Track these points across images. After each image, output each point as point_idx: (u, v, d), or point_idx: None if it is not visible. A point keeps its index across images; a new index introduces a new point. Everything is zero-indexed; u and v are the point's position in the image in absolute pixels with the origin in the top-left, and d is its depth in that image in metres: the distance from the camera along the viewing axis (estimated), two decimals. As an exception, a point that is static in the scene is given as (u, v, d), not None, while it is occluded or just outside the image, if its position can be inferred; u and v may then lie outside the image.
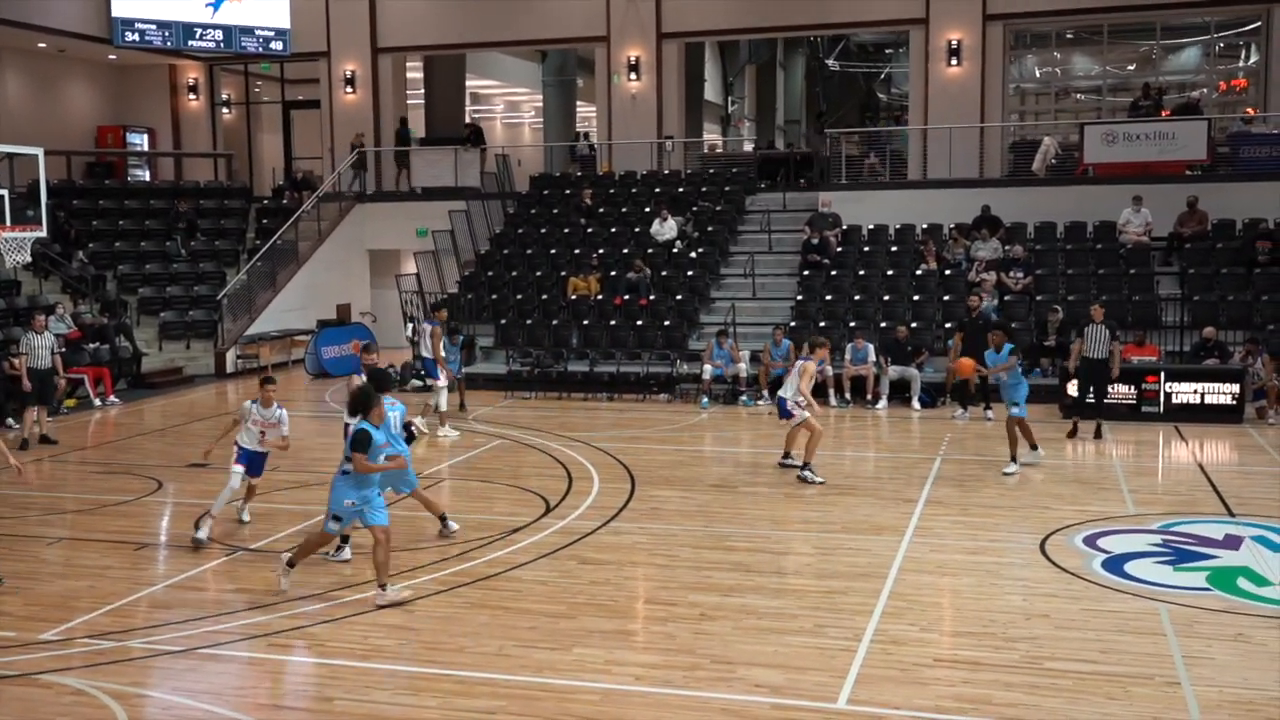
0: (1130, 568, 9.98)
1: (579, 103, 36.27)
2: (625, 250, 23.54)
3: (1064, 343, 18.54)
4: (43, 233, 19.95)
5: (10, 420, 17.37)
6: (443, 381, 16.91)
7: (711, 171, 27.10)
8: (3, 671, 7.99)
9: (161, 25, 27.24)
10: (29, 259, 19.84)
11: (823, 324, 20.29)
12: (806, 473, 13.31)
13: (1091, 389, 16.05)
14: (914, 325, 19.83)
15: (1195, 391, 17.23)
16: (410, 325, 23.41)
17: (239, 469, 11.18)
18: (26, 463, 12.19)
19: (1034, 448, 14.11)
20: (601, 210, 25.31)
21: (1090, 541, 10.79)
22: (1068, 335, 19.15)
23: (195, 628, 8.80)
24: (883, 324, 20.17)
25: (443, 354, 17.15)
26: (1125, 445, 15.64)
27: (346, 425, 10.61)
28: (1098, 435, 15.80)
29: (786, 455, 14.13)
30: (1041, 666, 7.83)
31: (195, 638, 8.59)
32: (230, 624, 8.86)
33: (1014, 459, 13.87)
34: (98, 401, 19.66)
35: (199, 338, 24.06)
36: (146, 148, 31.08)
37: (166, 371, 22.55)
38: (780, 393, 13.99)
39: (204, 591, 9.81)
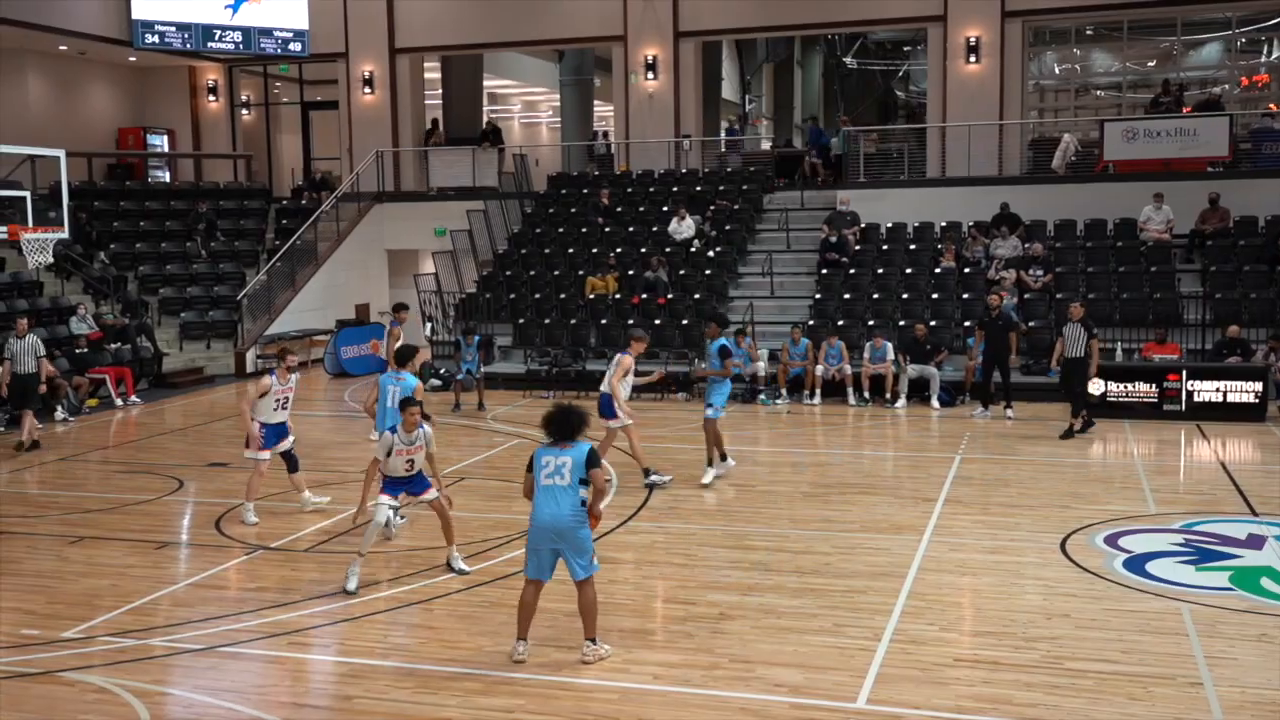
0: (1152, 567, 9.93)
1: (596, 102, 36.25)
2: (643, 249, 23.54)
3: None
4: (65, 234, 20.12)
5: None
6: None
7: (730, 171, 27.05)
8: (26, 669, 8.05)
9: (181, 27, 27.38)
10: (51, 260, 20.00)
11: (841, 323, 20.26)
12: (654, 478, 13.04)
13: (1072, 388, 15.93)
14: (933, 324, 19.77)
15: (1217, 390, 17.13)
16: (429, 325, 23.49)
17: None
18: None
19: (724, 458, 13.54)
20: (619, 209, 25.32)
21: (1111, 541, 10.74)
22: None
23: (216, 626, 8.85)
24: (901, 322, 20.12)
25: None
26: (1147, 444, 15.56)
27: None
28: (1079, 431, 15.71)
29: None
30: (1062, 666, 7.80)
31: (216, 636, 8.63)
32: (251, 622, 8.90)
33: (710, 463, 13.44)
34: (119, 401, 19.78)
35: (219, 338, 24.17)
36: (167, 149, 31.24)
37: (187, 371, 22.67)
38: (602, 388, 13.12)
39: (225, 590, 9.85)
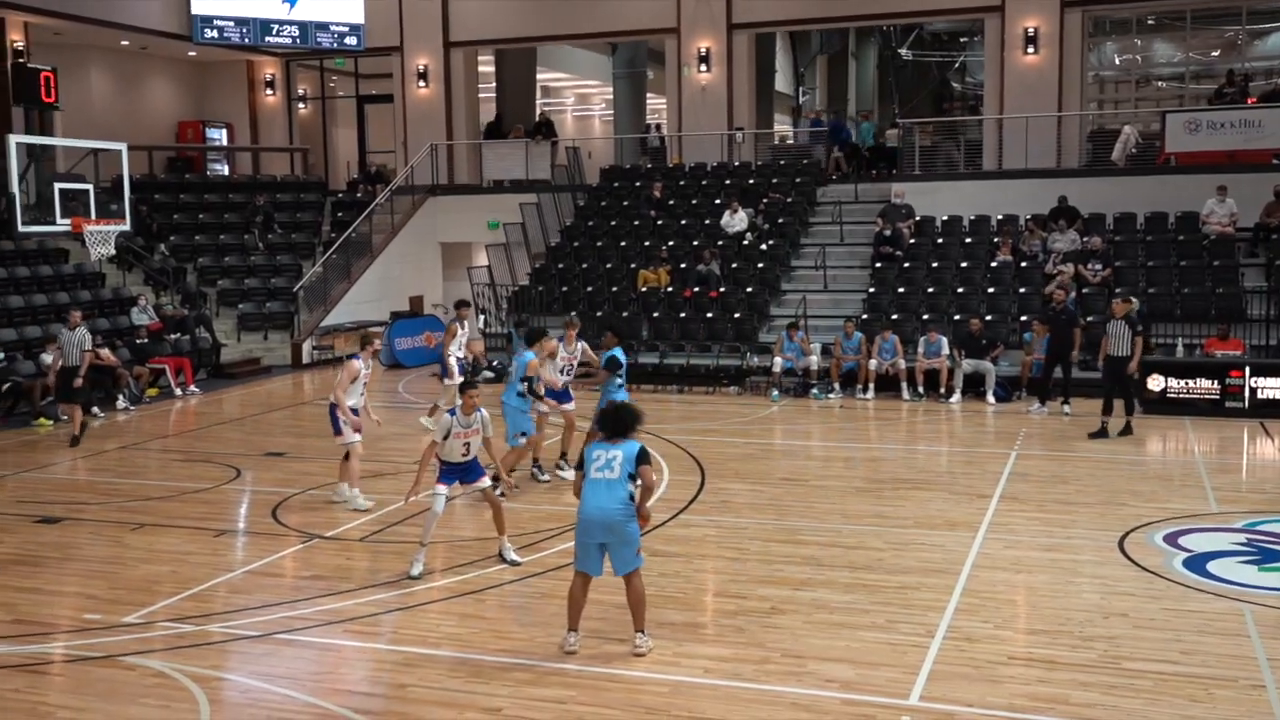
0: (1213, 567, 9.76)
1: (649, 95, 36.23)
2: (695, 242, 23.50)
3: (1144, 335, 18.15)
4: (126, 226, 20.47)
5: (96, 409, 17.77)
6: (454, 381, 15.77)
7: (782, 163, 26.94)
8: (88, 653, 8.20)
9: (239, 22, 27.71)
10: (113, 252, 20.36)
11: (895, 317, 20.12)
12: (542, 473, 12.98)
13: (1116, 387, 15.50)
14: (989, 318, 19.56)
15: (1282, 386, 16.80)
16: (482, 317, 23.62)
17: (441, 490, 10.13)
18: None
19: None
20: (671, 202, 25.29)
21: (1171, 540, 10.57)
22: (1148, 328, 18.78)
23: (273, 613, 8.96)
24: (956, 317, 19.92)
25: (457, 352, 16.15)
26: (1208, 441, 15.29)
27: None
28: (1121, 433, 15.29)
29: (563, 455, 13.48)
30: (1120, 666, 7.69)
31: (272, 623, 8.74)
32: (306, 610, 9.01)
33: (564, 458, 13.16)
34: (178, 391, 20.07)
35: (276, 329, 24.47)
36: (225, 142, 31.65)
37: (244, 362, 22.97)
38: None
39: (281, 578, 9.97)
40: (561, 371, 13.35)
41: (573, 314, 14.54)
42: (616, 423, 8.00)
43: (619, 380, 13.02)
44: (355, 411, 12.07)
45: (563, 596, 8.23)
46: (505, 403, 12.60)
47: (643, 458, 7.89)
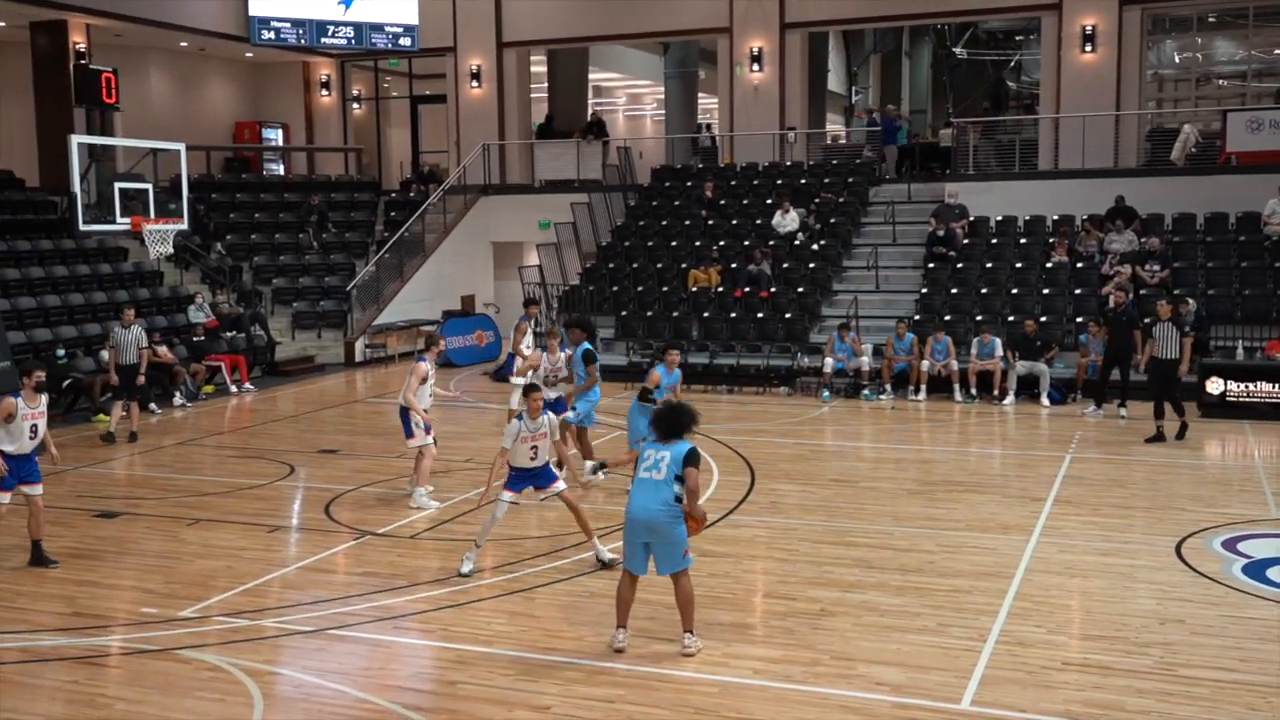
0: (1273, 573, 9.59)
1: (700, 94, 36.19)
2: (746, 242, 23.44)
3: (1202, 339, 17.88)
4: (184, 225, 20.75)
5: (154, 406, 18.05)
6: (517, 380, 16.36)
7: (835, 163, 26.81)
8: (145, 646, 8.33)
9: (296, 23, 28.03)
10: (171, 250, 20.64)
11: (948, 318, 19.94)
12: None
13: (1166, 391, 15.17)
14: (1043, 319, 19.33)
15: (1345, 390, 16.46)
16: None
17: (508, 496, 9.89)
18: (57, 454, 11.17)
19: (602, 466, 11.89)
20: (722, 202, 25.24)
21: (1230, 545, 10.39)
22: (1206, 330, 18.49)
23: (325, 609, 9.05)
24: (1010, 318, 19.71)
25: (524, 350, 16.53)
26: (1269, 445, 15.01)
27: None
28: (1177, 437, 14.98)
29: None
30: (1176, 674, 7.57)
31: (325, 618, 8.83)
32: (359, 606, 9.09)
33: (559, 465, 11.99)
34: (234, 388, 20.33)
35: (329, 327, 24.71)
36: (281, 143, 32.02)
37: (299, 360, 23.22)
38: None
39: (334, 574, 10.08)
40: (546, 382, 13.08)
41: (554, 323, 14.39)
42: (671, 424, 7.97)
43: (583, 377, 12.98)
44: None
45: (612, 596, 8.24)
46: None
47: (691, 459, 7.86)
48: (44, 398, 10.26)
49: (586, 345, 13.29)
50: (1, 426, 9.94)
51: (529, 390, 9.91)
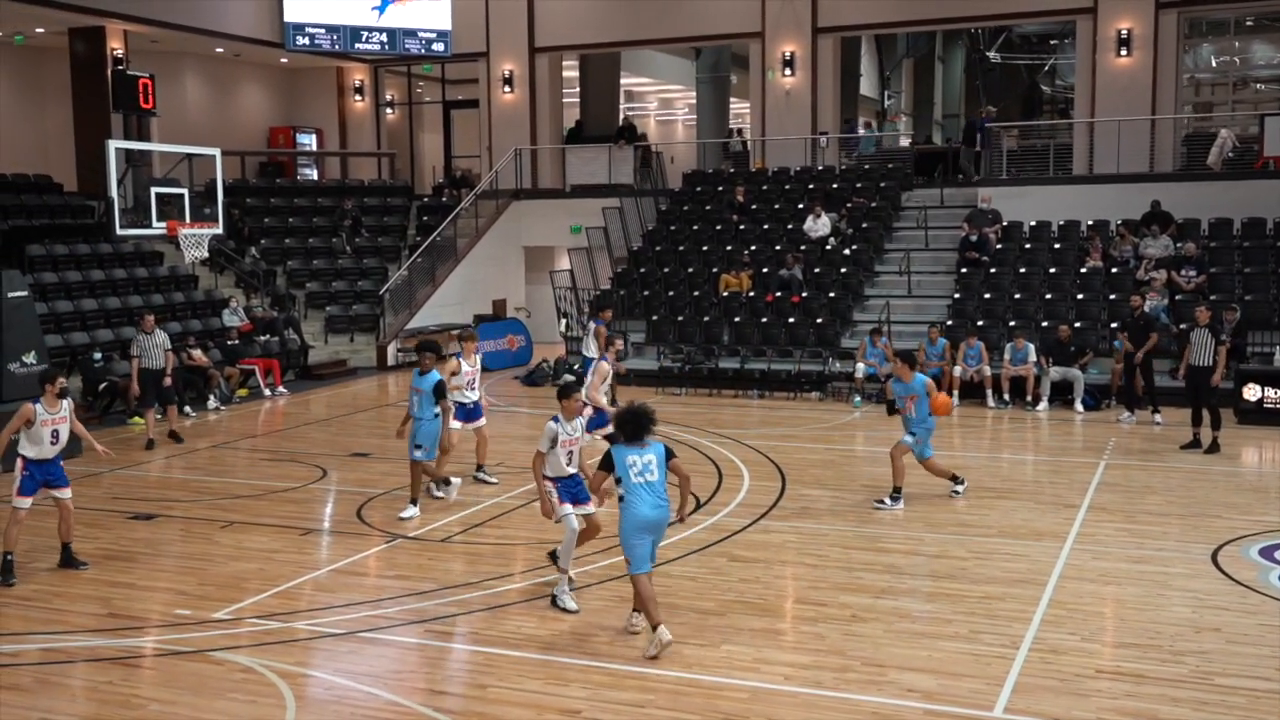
0: (1311, 582, 9.46)
1: (732, 99, 36.17)
2: (778, 247, 23.40)
3: (1240, 344, 17.68)
4: (219, 230, 20.91)
5: (188, 409, 18.19)
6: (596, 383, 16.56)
7: (867, 167, 26.71)
8: (179, 647, 8.40)
9: (330, 29, 28.23)
10: (206, 255, 20.81)
11: (980, 323, 19.82)
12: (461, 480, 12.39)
13: (1203, 399, 14.90)
14: (1077, 325, 19.19)
15: (1386, 397, 16.24)
16: (564, 321, 23.77)
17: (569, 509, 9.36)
18: (110, 452, 11.43)
19: (446, 482, 12.03)
20: (754, 207, 25.21)
21: (1267, 553, 10.27)
22: (1243, 336, 18.28)
23: (356, 611, 9.10)
24: (1044, 323, 19.57)
25: (591, 352, 16.88)
26: (1306, 453, 14.84)
27: None
28: (1206, 451, 14.69)
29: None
30: (1211, 682, 7.49)
31: (357, 621, 8.88)
32: (390, 609, 9.13)
33: (413, 501, 11.85)
34: (267, 392, 20.48)
35: (362, 331, 24.85)
36: (315, 148, 32.25)
37: (331, 364, 23.36)
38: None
39: (365, 577, 10.12)
40: (469, 386, 13.09)
41: (468, 327, 14.38)
42: (637, 427, 8.22)
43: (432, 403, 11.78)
44: (459, 407, 12.88)
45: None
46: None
47: (670, 453, 8.34)
48: (66, 403, 10.35)
49: (436, 374, 11.93)
50: (23, 432, 10.06)
51: (565, 392, 9.42)
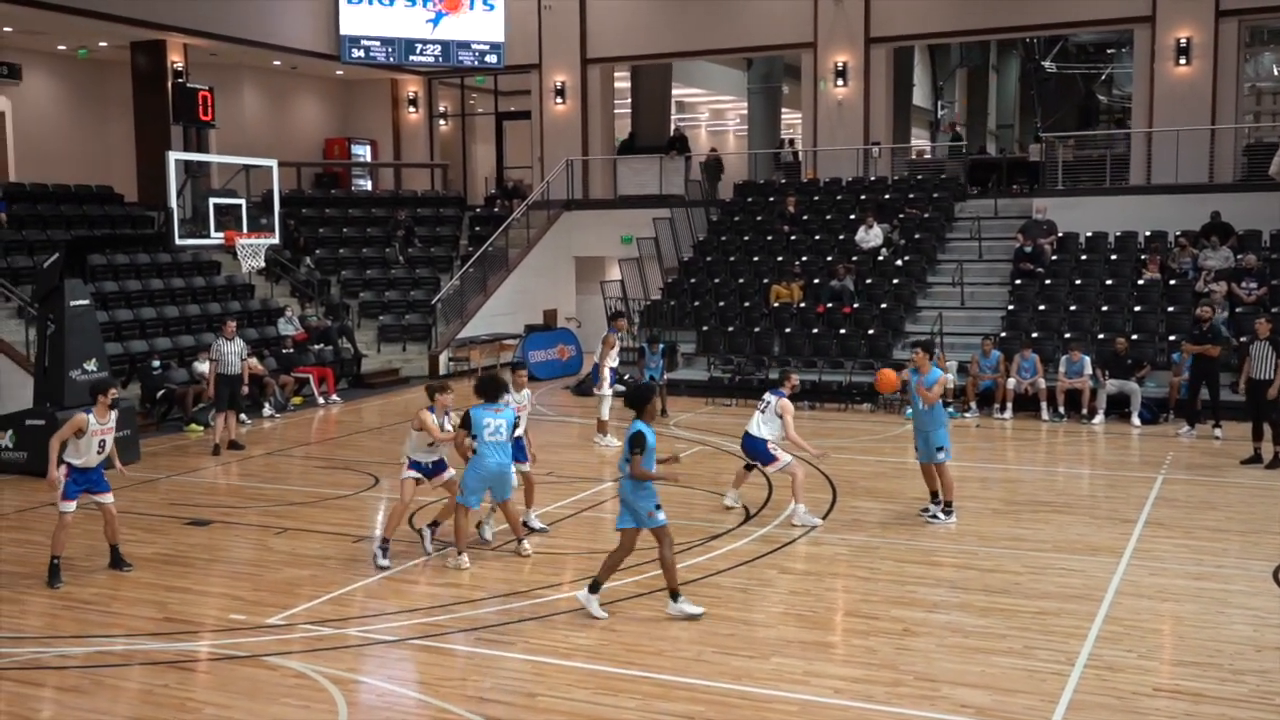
0: (1377, 602, 9.24)
1: (784, 109, 36.10)
2: (829, 258, 23.30)
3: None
4: (276, 240, 21.16)
5: (243, 416, 18.39)
6: (606, 391, 16.88)
7: (919, 178, 26.54)
8: (233, 652, 8.49)
9: (385, 42, 28.55)
10: (263, 264, 21.07)
11: (1035, 335, 19.60)
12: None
13: (1264, 413, 14.57)
14: (1135, 337, 18.91)
15: None
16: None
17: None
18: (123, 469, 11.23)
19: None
20: (805, 217, 25.12)
21: (1330, 571, 10.05)
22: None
23: (408, 618, 9.15)
24: (1100, 336, 19.31)
25: (610, 363, 16.93)
26: (1372, 469, 14.49)
27: None
28: (1268, 466, 14.36)
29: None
30: (1272, 702, 7.34)
31: (407, 629, 8.93)
32: (440, 617, 9.17)
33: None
34: (321, 400, 20.69)
35: (414, 340, 25.03)
36: (369, 159, 32.58)
37: (384, 372, 23.56)
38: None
39: (416, 585, 10.18)
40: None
41: (517, 356, 14.06)
42: (495, 390, 10.34)
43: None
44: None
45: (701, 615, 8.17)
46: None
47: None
48: (114, 414, 10.54)
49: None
50: (71, 441, 10.22)
51: (510, 365, 11.13)
